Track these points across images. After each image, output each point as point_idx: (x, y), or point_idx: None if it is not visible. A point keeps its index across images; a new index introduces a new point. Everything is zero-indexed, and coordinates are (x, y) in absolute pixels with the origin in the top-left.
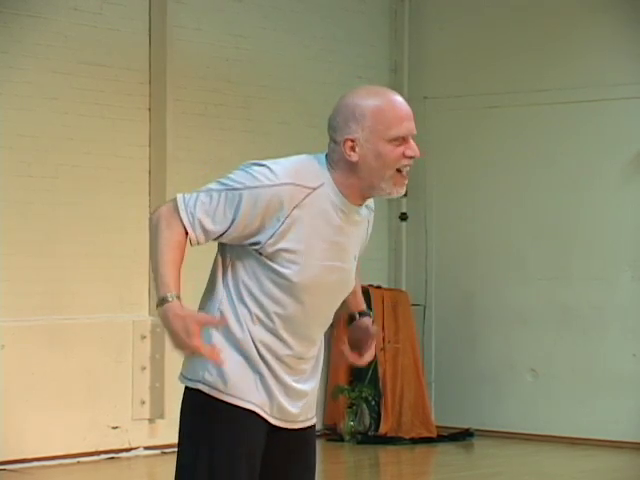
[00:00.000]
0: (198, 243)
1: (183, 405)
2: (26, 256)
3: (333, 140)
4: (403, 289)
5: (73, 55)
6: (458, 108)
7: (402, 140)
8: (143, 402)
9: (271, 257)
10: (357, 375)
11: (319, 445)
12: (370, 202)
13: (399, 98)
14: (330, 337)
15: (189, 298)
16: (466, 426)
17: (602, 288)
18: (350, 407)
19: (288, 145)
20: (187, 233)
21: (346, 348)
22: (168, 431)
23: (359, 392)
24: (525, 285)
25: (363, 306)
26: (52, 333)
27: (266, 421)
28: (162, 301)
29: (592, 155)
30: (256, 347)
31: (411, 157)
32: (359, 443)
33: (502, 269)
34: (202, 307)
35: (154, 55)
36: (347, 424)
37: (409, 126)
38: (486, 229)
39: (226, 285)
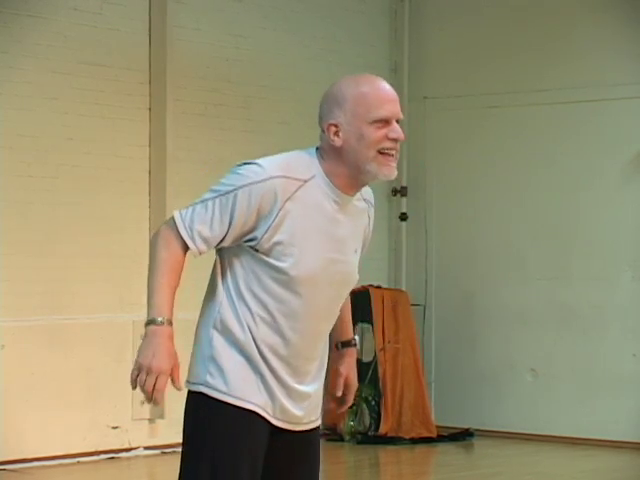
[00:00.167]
0: (200, 253)
1: (186, 407)
2: (26, 256)
3: (322, 130)
4: (403, 289)
5: (73, 55)
6: (458, 108)
7: (385, 123)
8: (143, 402)
9: (267, 252)
10: (357, 375)
11: None
12: (369, 196)
13: (383, 83)
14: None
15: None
16: (466, 426)
17: (602, 288)
18: (350, 407)
19: (288, 145)
20: (187, 248)
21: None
22: (168, 431)
23: (359, 392)
24: (525, 285)
25: (349, 334)
26: (52, 333)
27: (268, 422)
28: (151, 322)
29: (592, 155)
30: (258, 348)
31: (394, 139)
32: (359, 443)
33: (502, 269)
34: (203, 311)
35: (154, 55)
36: (347, 424)
37: (392, 109)
38: (486, 229)
39: (226, 287)
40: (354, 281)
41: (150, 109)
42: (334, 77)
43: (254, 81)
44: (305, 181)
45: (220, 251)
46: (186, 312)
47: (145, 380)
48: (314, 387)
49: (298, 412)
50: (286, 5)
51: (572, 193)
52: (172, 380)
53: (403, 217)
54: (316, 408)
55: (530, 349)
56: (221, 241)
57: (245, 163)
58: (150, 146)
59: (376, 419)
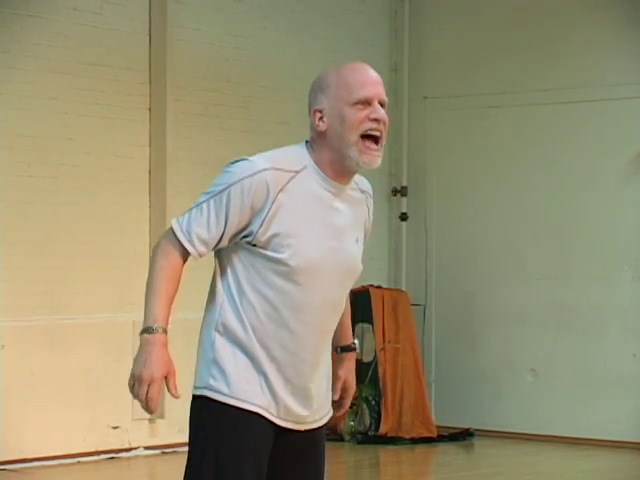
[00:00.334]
0: (200, 256)
1: (190, 411)
2: (26, 256)
3: (310, 118)
4: (403, 289)
5: (73, 55)
6: (458, 108)
7: (367, 104)
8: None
9: (265, 245)
10: (357, 375)
11: None
12: (365, 187)
13: (366, 67)
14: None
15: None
16: (466, 426)
17: (602, 288)
18: (350, 407)
19: (288, 145)
20: (187, 254)
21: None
22: (168, 431)
23: (359, 392)
24: (525, 285)
25: (349, 339)
26: (52, 333)
27: (272, 423)
28: (145, 330)
29: (592, 155)
30: (260, 347)
31: (375, 119)
32: (359, 443)
33: (502, 269)
34: (205, 315)
35: (154, 55)
36: (347, 424)
37: (374, 90)
38: (486, 229)
39: (226, 287)
40: (358, 271)
41: (150, 109)
42: None
43: (254, 81)
44: (297, 172)
45: (218, 252)
46: (186, 312)
47: (138, 390)
48: (320, 385)
49: (303, 411)
50: (286, 5)
51: (572, 193)
52: (168, 388)
53: (403, 217)
54: (322, 406)
55: (530, 349)
56: (219, 241)
57: (234, 161)
58: (150, 146)
59: (376, 419)
